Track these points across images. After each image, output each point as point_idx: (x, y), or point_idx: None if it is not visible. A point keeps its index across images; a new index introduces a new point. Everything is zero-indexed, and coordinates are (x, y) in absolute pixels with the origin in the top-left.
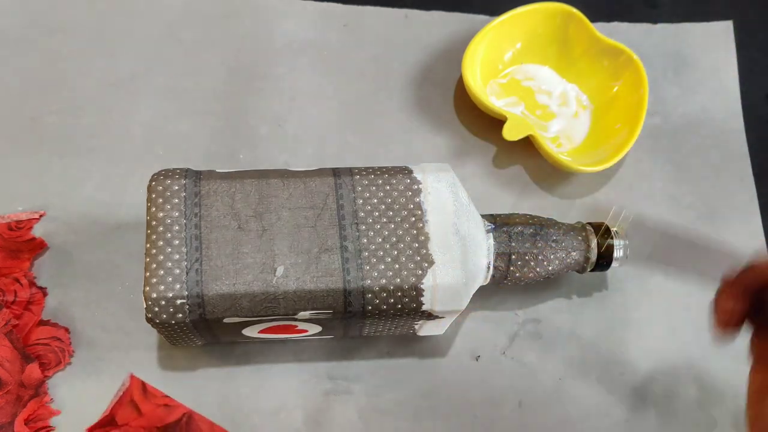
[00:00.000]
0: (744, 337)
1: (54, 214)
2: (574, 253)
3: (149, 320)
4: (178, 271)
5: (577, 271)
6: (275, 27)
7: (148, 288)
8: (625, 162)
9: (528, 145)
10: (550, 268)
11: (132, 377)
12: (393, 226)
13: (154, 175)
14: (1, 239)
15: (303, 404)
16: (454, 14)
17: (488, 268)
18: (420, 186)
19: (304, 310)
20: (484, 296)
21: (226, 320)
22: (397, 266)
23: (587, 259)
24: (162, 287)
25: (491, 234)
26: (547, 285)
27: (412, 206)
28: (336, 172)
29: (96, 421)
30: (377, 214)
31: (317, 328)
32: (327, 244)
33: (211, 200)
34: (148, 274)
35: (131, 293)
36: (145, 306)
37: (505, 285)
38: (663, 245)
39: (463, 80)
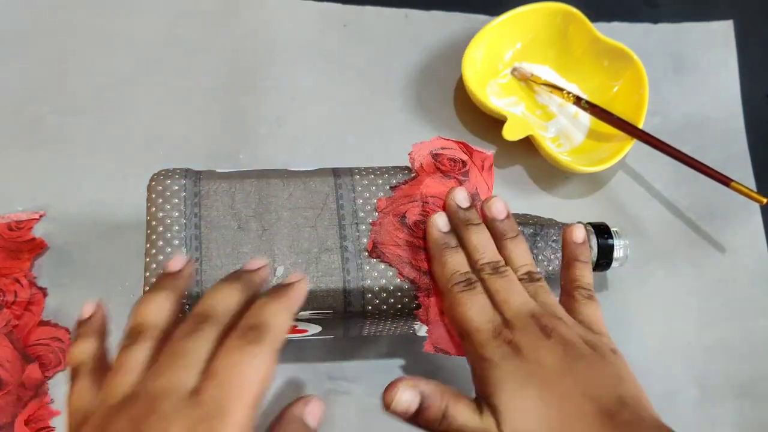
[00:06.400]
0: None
1: (54, 214)
2: None
3: None
4: None
5: None
6: (275, 27)
7: (148, 288)
8: (625, 162)
9: (528, 145)
10: (550, 268)
11: None
12: None
13: (154, 175)
14: (1, 239)
15: None
16: (454, 14)
17: None
18: None
19: (304, 310)
20: None
21: None
22: None
23: None
24: None
25: None
26: None
27: None
28: (336, 172)
29: None
30: (377, 214)
31: (317, 328)
32: (327, 244)
33: (211, 200)
34: (147, 274)
35: (131, 293)
36: None
37: None
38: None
39: (463, 80)
